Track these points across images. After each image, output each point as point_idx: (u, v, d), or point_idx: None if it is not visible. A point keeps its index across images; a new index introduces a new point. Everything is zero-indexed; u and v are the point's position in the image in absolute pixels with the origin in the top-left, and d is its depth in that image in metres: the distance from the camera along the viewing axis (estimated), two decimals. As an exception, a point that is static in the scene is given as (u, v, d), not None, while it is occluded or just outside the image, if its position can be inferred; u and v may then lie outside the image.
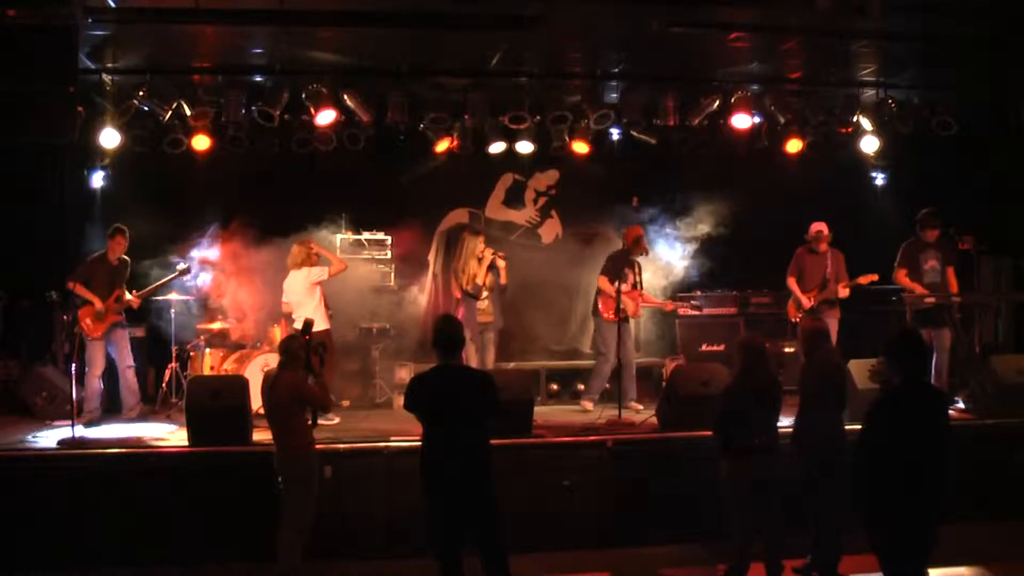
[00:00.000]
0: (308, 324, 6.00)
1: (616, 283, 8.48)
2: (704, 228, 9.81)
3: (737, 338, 6.20)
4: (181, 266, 8.71)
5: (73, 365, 7.66)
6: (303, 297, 8.14)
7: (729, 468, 5.62)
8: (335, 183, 9.82)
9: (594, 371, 8.91)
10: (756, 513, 5.59)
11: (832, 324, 8.31)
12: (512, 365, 9.33)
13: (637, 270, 8.95)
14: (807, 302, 8.68)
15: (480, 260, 8.67)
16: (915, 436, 4.19)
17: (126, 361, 8.22)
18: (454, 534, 4.82)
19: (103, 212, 9.33)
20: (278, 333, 8.78)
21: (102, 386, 8.15)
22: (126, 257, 8.42)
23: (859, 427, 4.40)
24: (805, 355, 6.09)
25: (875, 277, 8.45)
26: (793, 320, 8.85)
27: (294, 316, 8.17)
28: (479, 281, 8.63)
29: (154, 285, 8.58)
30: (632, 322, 8.94)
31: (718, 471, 5.69)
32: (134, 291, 8.37)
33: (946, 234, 8.48)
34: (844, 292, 8.53)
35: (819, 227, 8.72)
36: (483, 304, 8.76)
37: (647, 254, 9.05)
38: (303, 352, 5.70)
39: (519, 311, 9.76)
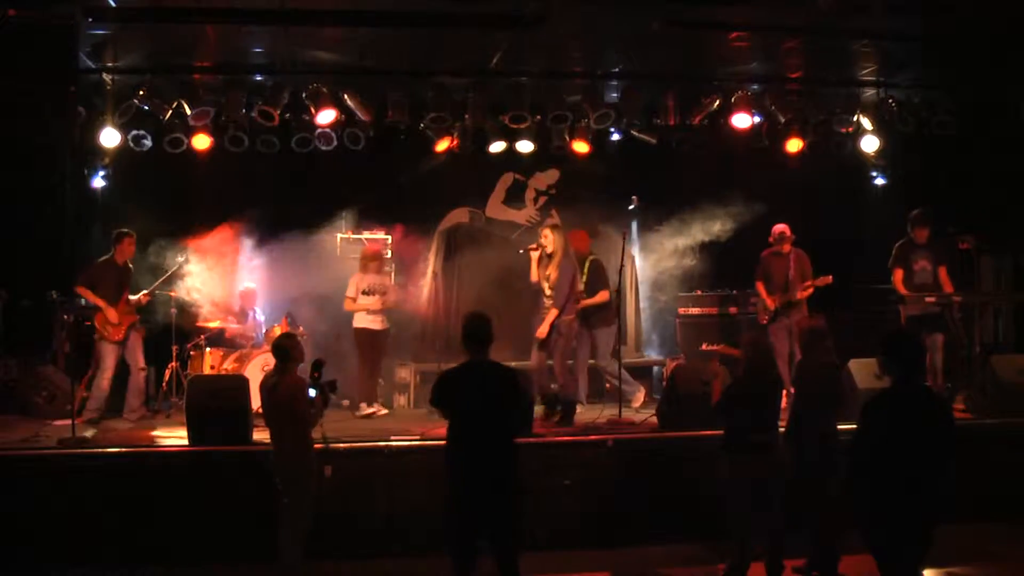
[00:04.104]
0: (319, 363, 5.80)
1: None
2: (704, 227, 9.80)
3: (743, 337, 6.19)
4: (180, 258, 8.67)
5: (90, 369, 7.63)
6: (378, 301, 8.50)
7: (729, 466, 5.63)
8: (335, 183, 9.82)
9: None
10: (756, 512, 5.58)
11: (791, 328, 8.10)
12: (512, 365, 9.28)
13: (587, 270, 8.53)
14: (771, 304, 8.61)
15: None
16: (912, 436, 4.19)
17: (139, 363, 8.18)
18: (473, 532, 4.72)
19: (103, 212, 9.33)
20: (278, 332, 8.79)
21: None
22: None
23: (856, 427, 4.41)
24: (802, 354, 6.09)
25: (829, 279, 8.36)
26: (763, 323, 8.75)
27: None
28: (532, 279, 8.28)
29: (159, 280, 8.54)
30: (616, 325, 8.47)
31: (718, 470, 5.70)
32: (142, 291, 8.33)
33: (941, 233, 8.44)
34: (803, 293, 8.45)
35: (781, 228, 8.67)
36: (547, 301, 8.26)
37: (581, 254, 8.57)
38: (298, 351, 5.66)
39: (519, 310, 9.73)
